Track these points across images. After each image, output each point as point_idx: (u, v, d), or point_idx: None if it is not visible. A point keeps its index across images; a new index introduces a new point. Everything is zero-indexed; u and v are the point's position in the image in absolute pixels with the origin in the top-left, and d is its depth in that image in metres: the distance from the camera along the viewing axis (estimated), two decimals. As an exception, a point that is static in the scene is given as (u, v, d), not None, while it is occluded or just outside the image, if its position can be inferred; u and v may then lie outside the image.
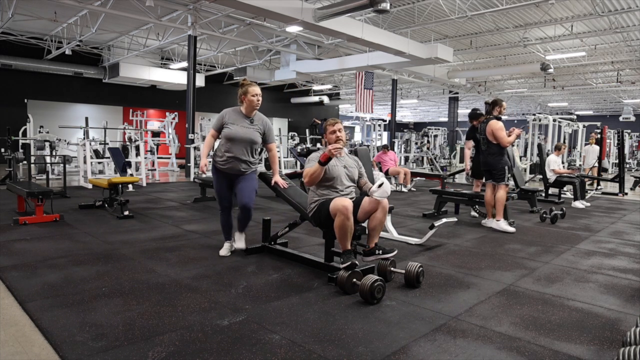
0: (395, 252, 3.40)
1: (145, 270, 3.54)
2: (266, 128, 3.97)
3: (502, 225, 5.52)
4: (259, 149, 4.06)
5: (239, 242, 4.07)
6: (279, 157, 12.92)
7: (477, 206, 6.46)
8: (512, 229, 5.49)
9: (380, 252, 3.37)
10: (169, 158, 14.73)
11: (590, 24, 12.29)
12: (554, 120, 13.21)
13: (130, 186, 8.67)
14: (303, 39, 14.02)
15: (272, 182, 4.04)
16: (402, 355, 2.26)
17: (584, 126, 14.97)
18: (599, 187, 10.94)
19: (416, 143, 18.91)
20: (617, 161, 11.60)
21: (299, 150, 11.77)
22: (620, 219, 6.81)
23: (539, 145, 9.64)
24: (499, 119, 5.66)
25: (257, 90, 3.84)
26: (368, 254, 3.40)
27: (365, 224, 3.51)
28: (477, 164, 7.01)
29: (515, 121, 29.89)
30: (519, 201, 7.73)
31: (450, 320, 2.71)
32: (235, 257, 4.01)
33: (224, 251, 4.08)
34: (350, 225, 3.18)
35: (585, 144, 14.02)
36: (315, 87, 23.45)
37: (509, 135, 5.60)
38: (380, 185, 3.26)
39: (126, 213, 5.78)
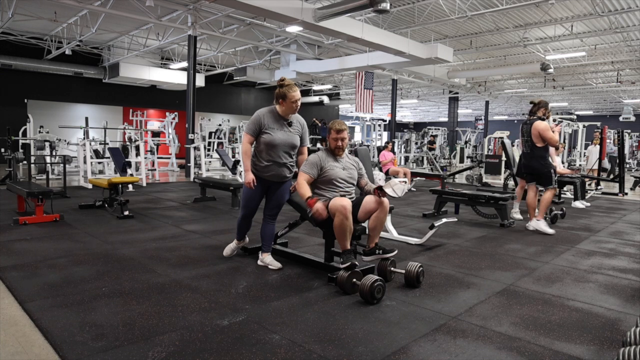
0: (395, 252, 3.40)
1: (145, 270, 3.54)
2: (303, 130, 3.72)
3: (542, 225, 5.45)
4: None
5: (273, 262, 3.72)
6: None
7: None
8: (551, 231, 5.42)
9: (381, 251, 3.38)
10: (169, 158, 14.73)
11: (590, 24, 12.28)
12: (554, 120, 13.21)
13: (130, 186, 8.67)
14: (303, 39, 14.02)
15: (292, 187, 3.73)
16: (402, 355, 2.26)
17: (584, 126, 14.97)
18: (599, 187, 10.94)
19: (416, 143, 18.92)
20: (617, 161, 11.59)
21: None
22: (620, 219, 6.81)
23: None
24: (542, 120, 5.49)
25: (297, 95, 3.54)
26: (368, 253, 3.41)
27: (365, 224, 3.51)
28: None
29: (515, 121, 29.90)
30: (519, 201, 7.72)
31: (450, 320, 2.71)
32: (235, 257, 4.01)
33: (229, 251, 4.02)
34: (349, 225, 3.18)
35: (587, 144, 13.97)
36: (315, 87, 23.44)
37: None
38: (400, 182, 3.30)
39: (126, 213, 5.77)
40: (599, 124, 12.76)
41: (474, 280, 3.53)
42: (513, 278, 3.61)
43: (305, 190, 3.37)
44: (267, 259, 3.74)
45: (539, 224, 5.49)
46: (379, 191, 3.37)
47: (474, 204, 6.36)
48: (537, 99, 5.78)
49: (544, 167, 5.46)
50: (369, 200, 3.39)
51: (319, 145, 17.72)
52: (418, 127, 35.60)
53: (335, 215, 3.18)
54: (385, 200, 3.37)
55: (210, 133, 16.80)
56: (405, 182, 3.40)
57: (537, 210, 5.62)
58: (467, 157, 21.79)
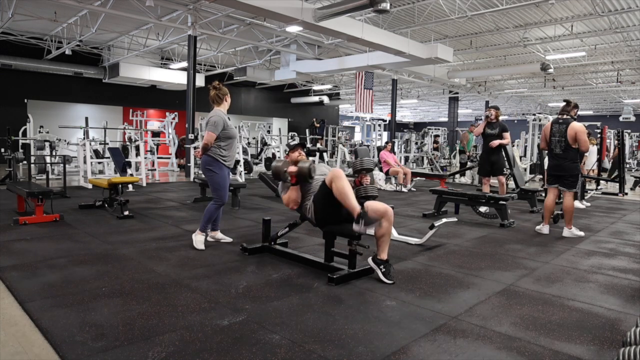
0: (392, 283, 3.35)
1: (145, 270, 3.54)
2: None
3: (575, 232, 5.39)
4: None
5: (225, 237, 4.59)
6: (278, 156, 12.98)
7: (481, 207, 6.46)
8: (582, 233, 5.43)
9: (383, 270, 3.37)
10: (169, 158, 14.72)
11: (590, 24, 12.28)
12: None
13: (130, 186, 8.66)
14: (303, 39, 14.01)
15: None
16: (402, 355, 2.26)
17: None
18: (599, 187, 10.94)
19: (416, 143, 18.90)
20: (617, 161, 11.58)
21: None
22: (620, 219, 6.81)
23: (539, 145, 9.63)
24: (575, 120, 5.38)
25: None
26: (375, 261, 3.40)
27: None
28: (484, 160, 6.97)
29: (516, 121, 29.89)
30: (519, 201, 7.73)
31: (450, 320, 2.71)
32: (235, 257, 4.01)
33: (202, 244, 4.27)
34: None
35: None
36: (315, 87, 23.43)
37: None
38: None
39: (126, 213, 5.77)
40: (599, 124, 12.74)
41: (474, 280, 3.53)
42: (513, 278, 3.61)
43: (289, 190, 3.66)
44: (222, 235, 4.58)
45: (572, 231, 5.39)
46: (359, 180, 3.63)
47: (473, 204, 6.36)
48: (570, 99, 5.63)
49: (575, 169, 5.29)
50: (372, 208, 3.38)
51: (318, 145, 17.69)
52: (418, 127, 35.58)
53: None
54: (389, 209, 3.39)
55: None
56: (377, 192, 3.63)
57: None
58: (468, 157, 21.74)
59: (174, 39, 13.95)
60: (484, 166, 7.04)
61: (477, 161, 11.95)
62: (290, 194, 3.58)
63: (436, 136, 20.45)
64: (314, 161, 3.63)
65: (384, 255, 3.41)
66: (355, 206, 3.20)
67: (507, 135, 6.89)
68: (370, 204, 3.37)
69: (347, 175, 3.86)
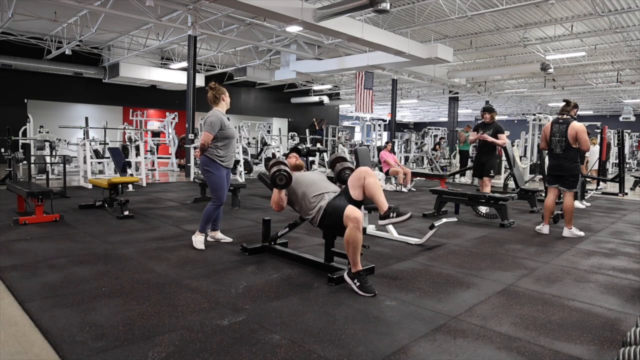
0: (409, 214, 3.27)
1: (145, 270, 3.54)
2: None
3: (575, 232, 5.38)
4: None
5: (225, 237, 4.59)
6: (278, 157, 12.97)
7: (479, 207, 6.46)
8: (582, 233, 5.42)
9: (394, 214, 3.26)
10: (169, 158, 14.72)
11: (590, 24, 12.28)
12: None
13: (130, 186, 8.66)
14: (303, 39, 14.01)
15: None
16: (402, 355, 2.26)
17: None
18: (599, 187, 10.94)
19: (416, 143, 18.92)
20: (617, 161, 11.59)
21: (299, 150, 11.74)
22: (620, 219, 6.81)
23: (539, 145, 9.62)
24: (575, 120, 5.36)
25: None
26: (383, 217, 3.30)
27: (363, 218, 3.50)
28: (477, 161, 7.05)
29: (516, 121, 29.89)
30: (519, 201, 7.73)
31: (450, 320, 2.71)
32: (235, 257, 4.01)
33: (202, 244, 4.27)
34: (361, 238, 3.14)
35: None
36: (315, 87, 23.43)
37: None
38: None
39: (126, 213, 5.77)
40: (599, 124, 12.73)
41: (474, 280, 3.53)
42: (513, 278, 3.61)
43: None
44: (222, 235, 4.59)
45: (572, 231, 5.38)
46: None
47: (473, 204, 6.36)
48: (570, 99, 5.61)
49: (575, 169, 5.27)
50: (353, 177, 3.43)
51: (318, 145, 17.67)
52: (418, 127, 35.58)
53: (348, 227, 3.11)
54: (367, 169, 3.43)
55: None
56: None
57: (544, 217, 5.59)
58: (468, 157, 21.72)
59: (174, 39, 13.95)
60: (477, 168, 7.06)
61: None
62: (273, 196, 3.68)
63: (441, 138, 20.45)
64: (312, 162, 3.66)
65: (383, 210, 3.29)
66: (359, 265, 3.15)
67: (502, 136, 6.86)
68: (351, 176, 3.49)
69: (331, 178, 3.95)
